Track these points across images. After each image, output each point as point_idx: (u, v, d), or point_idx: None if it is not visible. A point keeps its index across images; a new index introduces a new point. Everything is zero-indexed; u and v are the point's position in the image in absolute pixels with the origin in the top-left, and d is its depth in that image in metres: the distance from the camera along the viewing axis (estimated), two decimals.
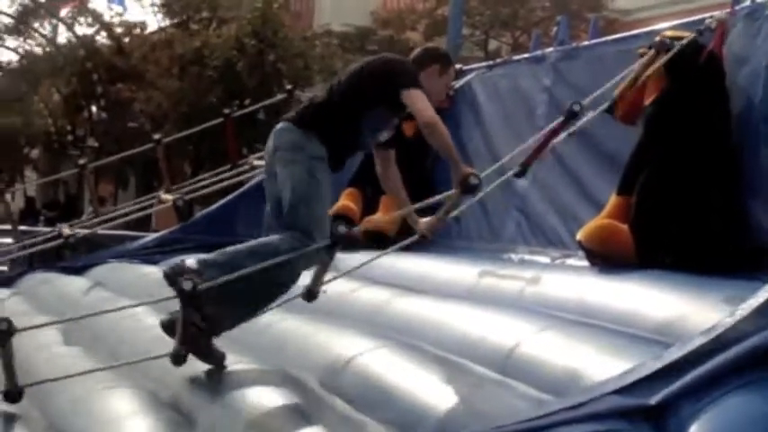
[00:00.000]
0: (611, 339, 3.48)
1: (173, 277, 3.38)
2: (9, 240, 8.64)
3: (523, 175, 4.43)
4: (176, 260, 3.59)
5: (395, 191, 4.20)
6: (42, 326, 4.20)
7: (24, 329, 3.40)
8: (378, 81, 3.79)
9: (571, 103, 4.30)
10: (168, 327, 3.51)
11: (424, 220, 4.02)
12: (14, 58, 25.97)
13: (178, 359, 3.39)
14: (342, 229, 3.41)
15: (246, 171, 7.91)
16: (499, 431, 2.52)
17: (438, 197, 3.95)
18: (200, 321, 3.39)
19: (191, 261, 3.47)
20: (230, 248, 3.64)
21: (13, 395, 3.42)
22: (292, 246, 3.54)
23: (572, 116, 4.26)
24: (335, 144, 3.77)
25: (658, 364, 2.60)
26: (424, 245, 5.58)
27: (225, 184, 8.10)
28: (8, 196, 13.25)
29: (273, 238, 3.65)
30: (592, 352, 3.31)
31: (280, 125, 3.85)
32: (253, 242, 3.68)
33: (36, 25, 24.55)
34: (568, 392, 2.93)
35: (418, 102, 3.70)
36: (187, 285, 3.23)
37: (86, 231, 7.87)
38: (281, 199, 3.70)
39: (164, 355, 3.43)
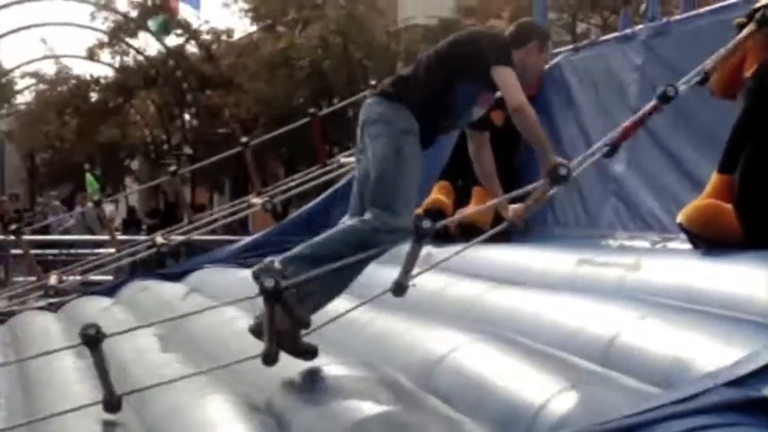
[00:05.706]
0: (719, 326, 3.29)
1: (258, 276, 3.37)
2: (111, 250, 8.82)
3: (612, 155, 4.20)
4: (266, 260, 3.56)
5: (487, 176, 4.06)
6: (132, 330, 4.23)
7: (112, 335, 3.43)
8: (468, 54, 3.67)
9: (665, 86, 4.03)
10: (257, 331, 3.48)
11: (513, 206, 3.91)
12: (110, 72, 26.70)
13: (268, 359, 3.35)
14: (427, 223, 3.31)
15: (335, 169, 7.90)
16: (602, 428, 2.40)
17: (527, 188, 3.81)
18: (286, 316, 3.36)
19: (276, 260, 3.45)
20: (314, 240, 3.61)
21: (113, 405, 3.47)
22: (374, 227, 3.48)
23: (666, 101, 4.01)
24: (426, 117, 3.66)
25: None
26: (521, 234, 5.51)
27: (313, 184, 8.10)
28: (110, 207, 13.69)
29: (355, 222, 3.57)
30: (700, 340, 3.14)
31: (369, 99, 3.75)
32: (335, 230, 3.61)
33: (128, 39, 25.15)
34: (675, 384, 2.79)
35: (509, 82, 3.57)
36: (269, 284, 3.19)
37: (181, 239, 8.00)
38: (369, 174, 3.61)
39: (255, 356, 3.39)
